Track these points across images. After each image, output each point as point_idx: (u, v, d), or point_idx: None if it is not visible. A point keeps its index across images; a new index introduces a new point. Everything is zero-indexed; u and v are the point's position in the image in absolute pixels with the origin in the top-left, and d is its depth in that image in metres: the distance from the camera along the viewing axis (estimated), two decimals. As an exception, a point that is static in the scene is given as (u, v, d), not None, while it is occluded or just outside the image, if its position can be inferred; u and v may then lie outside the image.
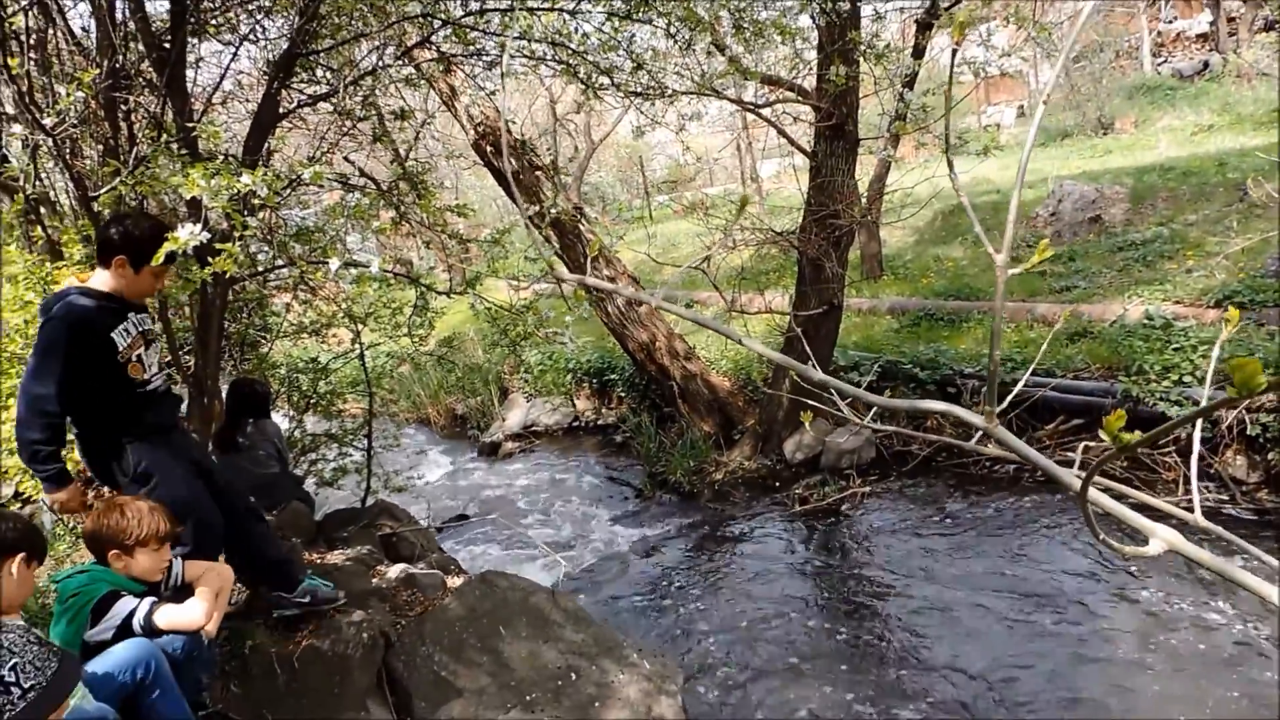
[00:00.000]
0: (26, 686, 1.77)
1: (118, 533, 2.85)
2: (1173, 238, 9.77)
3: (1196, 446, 1.28)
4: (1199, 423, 0.89)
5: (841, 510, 6.84)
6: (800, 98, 6.94)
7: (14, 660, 1.77)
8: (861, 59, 5.41)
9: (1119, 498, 1.08)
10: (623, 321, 8.42)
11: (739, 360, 9.11)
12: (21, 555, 2.40)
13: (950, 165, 1.35)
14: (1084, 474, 0.86)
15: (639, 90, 5.32)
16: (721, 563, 6.28)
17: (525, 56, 4.90)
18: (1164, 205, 11.25)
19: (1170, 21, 24.23)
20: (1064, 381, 7.06)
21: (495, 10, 4.82)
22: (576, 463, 9.34)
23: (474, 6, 4.89)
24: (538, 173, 8.30)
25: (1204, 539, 1.12)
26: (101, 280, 3.08)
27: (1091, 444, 6.69)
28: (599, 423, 10.41)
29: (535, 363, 11.22)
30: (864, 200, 7.50)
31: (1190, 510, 1.08)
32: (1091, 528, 0.91)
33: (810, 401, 1.94)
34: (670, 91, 5.52)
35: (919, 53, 5.82)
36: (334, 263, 2.94)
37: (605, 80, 4.99)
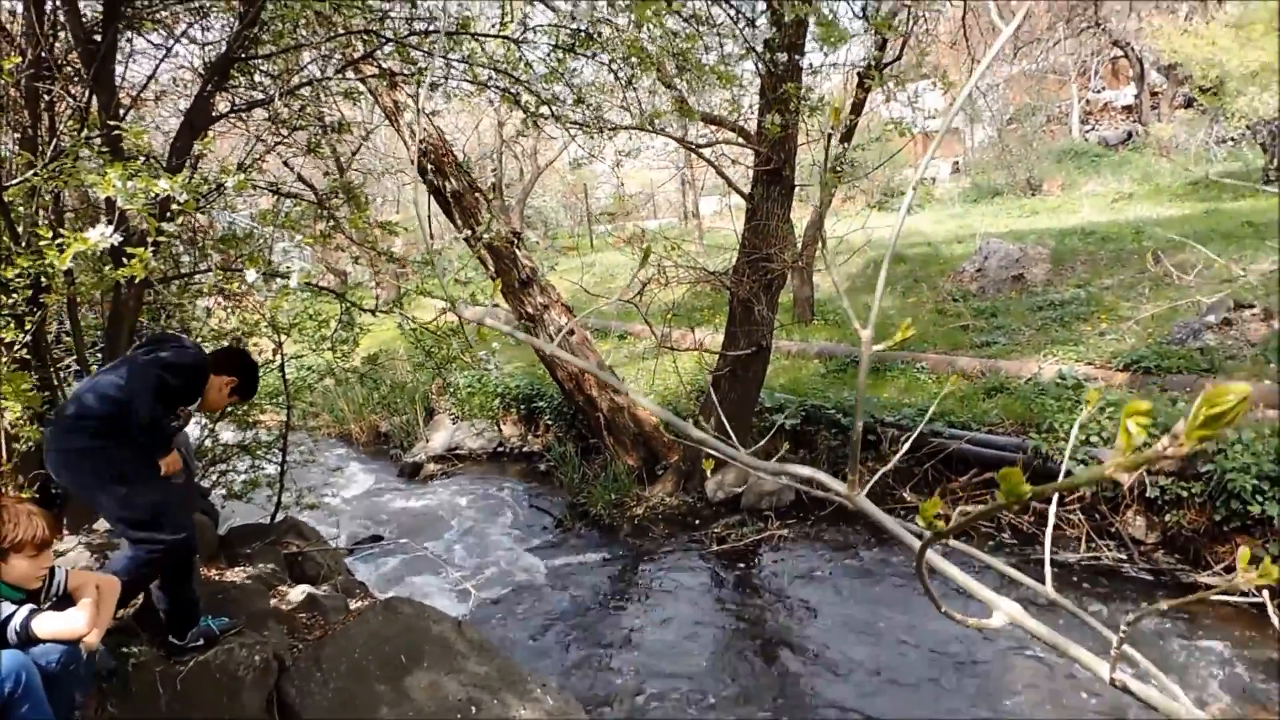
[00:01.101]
0: None
1: None
2: (1089, 300, 10.16)
3: (1052, 519, 1.33)
4: (1055, 498, 0.92)
5: (758, 551, 6.89)
6: (740, 139, 7.07)
7: None
8: (797, 110, 5.55)
9: (972, 563, 1.11)
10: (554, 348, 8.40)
11: (666, 395, 9.16)
12: None
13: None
14: (923, 540, 0.89)
15: (579, 122, 5.36)
16: (635, 598, 6.26)
17: (468, 81, 4.90)
18: (1083, 268, 11.72)
19: (1099, 91, 25.43)
20: (978, 435, 7.25)
21: (439, 34, 4.82)
22: (498, 489, 9.24)
23: (421, 27, 4.89)
24: (477, 194, 8.27)
25: (1051, 609, 1.16)
26: None
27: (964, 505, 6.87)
28: (524, 449, 10.34)
29: (463, 385, 11.11)
30: (798, 245, 7.65)
31: (1042, 582, 1.11)
32: (932, 599, 0.94)
33: (716, 442, 1.95)
34: (611, 126, 5.57)
35: (857, 108, 5.99)
36: (251, 273, 2.88)
37: (546, 110, 5.01)
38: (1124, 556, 6.32)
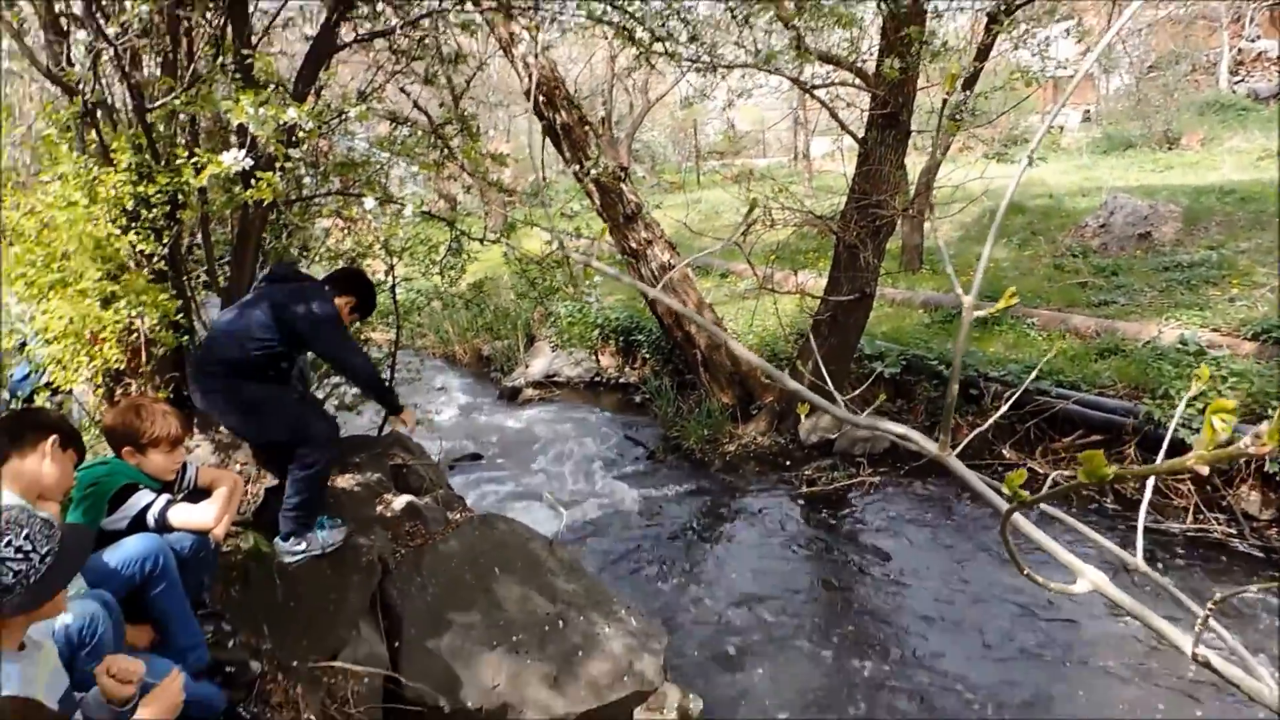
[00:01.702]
0: (43, 552, 1.88)
1: (133, 431, 3.01)
2: (1221, 263, 9.60)
3: (1149, 490, 1.33)
4: (1149, 488, 0.94)
5: (848, 497, 6.91)
6: (857, 81, 6.89)
7: (24, 530, 1.88)
8: (919, 54, 5.36)
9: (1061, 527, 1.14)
10: (655, 284, 8.47)
11: (764, 336, 9.15)
12: (55, 437, 2.54)
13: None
14: (1011, 504, 0.93)
15: (693, 59, 5.32)
16: (722, 532, 6.39)
17: (582, 16, 4.92)
18: (1217, 229, 11.03)
19: (1253, 40, 23.46)
20: (1086, 396, 7.02)
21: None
22: (594, 417, 9.46)
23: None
24: (587, 128, 8.32)
25: (1141, 581, 1.18)
26: None
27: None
28: (620, 381, 10.52)
29: (564, 314, 11.32)
30: (910, 192, 7.45)
31: (1135, 553, 1.13)
32: (1015, 561, 0.98)
33: (809, 394, 1.99)
34: (724, 64, 5.51)
35: (982, 53, 5.75)
36: (369, 201, 3.04)
37: (660, 47, 4.99)
38: (1234, 531, 6.09)
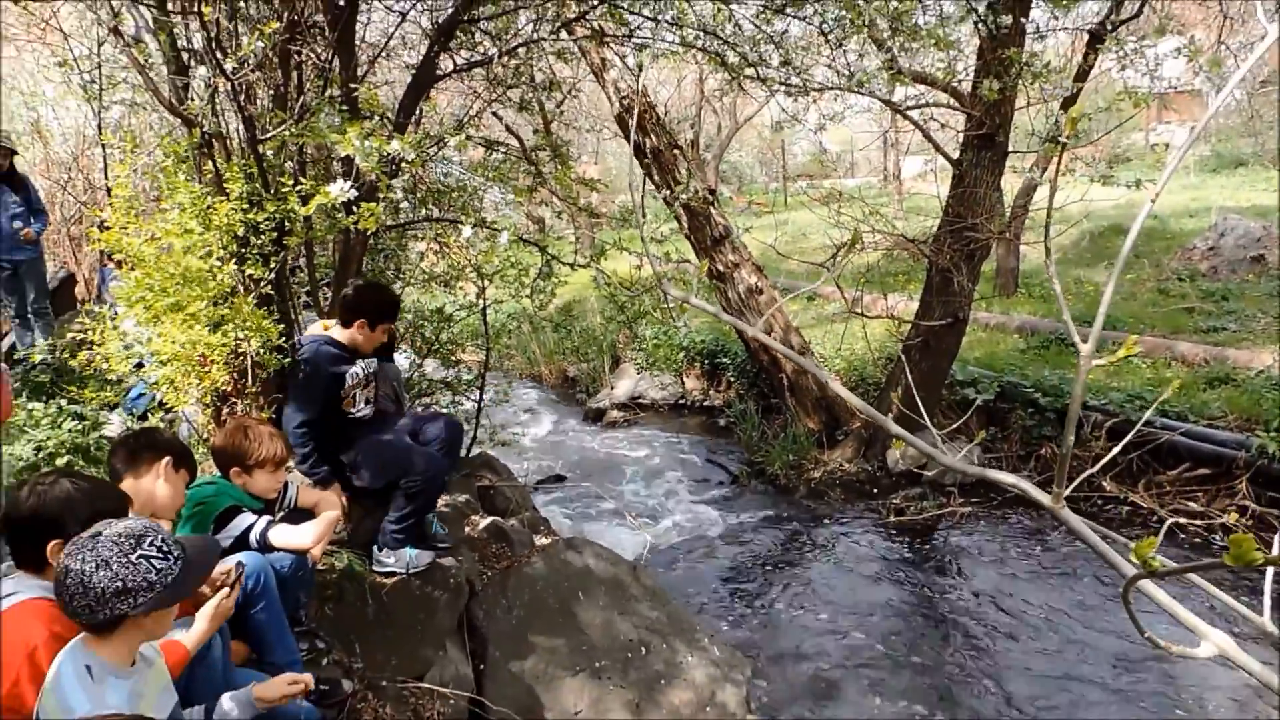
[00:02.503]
0: (177, 554, 1.99)
1: (240, 452, 3.13)
2: (1341, 288, 9.07)
3: (1277, 547, 1.25)
4: None
5: (937, 527, 6.72)
6: (952, 102, 6.75)
7: (160, 535, 1.99)
8: (1019, 74, 5.23)
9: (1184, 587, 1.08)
10: (741, 309, 8.44)
11: (853, 360, 9.00)
12: (168, 459, 2.67)
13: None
14: (1138, 569, 0.88)
15: (785, 83, 5.30)
16: (807, 560, 6.28)
17: (676, 42, 4.96)
18: (1338, 253, 10.42)
19: (1380, 51, 22.14)
20: (1194, 428, 6.70)
21: (651, -7, 4.89)
22: (678, 440, 9.45)
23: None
24: (676, 151, 8.36)
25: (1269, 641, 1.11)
26: (341, 333, 3.96)
27: (1200, 502, 6.36)
28: (705, 404, 10.49)
29: (650, 336, 11.36)
30: (1006, 214, 7.25)
31: (1261, 614, 1.07)
32: (1135, 624, 0.93)
33: (914, 439, 1.94)
34: (816, 87, 5.47)
35: (1083, 75, 5.57)
36: (466, 229, 3.11)
37: (751, 71, 4.99)
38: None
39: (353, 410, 4.00)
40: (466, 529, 4.49)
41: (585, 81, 9.39)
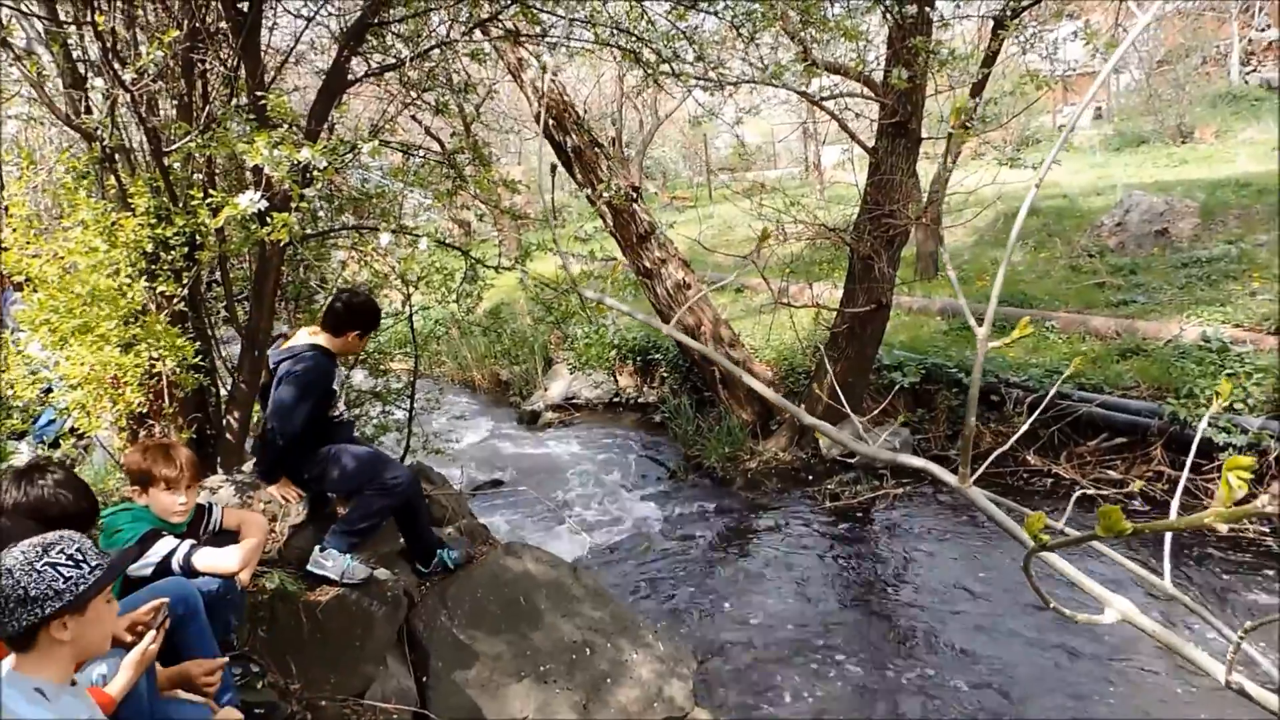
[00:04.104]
0: (94, 564, 1.99)
1: (139, 471, 3.02)
2: (1240, 257, 9.50)
3: (1178, 498, 1.30)
4: (1186, 470, 0.92)
5: (872, 510, 6.86)
6: (865, 91, 6.88)
7: (76, 544, 1.99)
8: (926, 63, 5.35)
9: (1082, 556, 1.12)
10: (670, 304, 8.47)
11: (782, 350, 9.12)
12: None
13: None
14: (1033, 547, 0.91)
15: (700, 78, 5.33)
16: (747, 551, 6.35)
17: (589, 40, 4.94)
18: (1235, 223, 10.92)
19: (1263, 29, 23.28)
20: (1109, 398, 6.96)
21: (563, -8, 4.87)
22: (614, 438, 9.45)
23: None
24: (597, 149, 8.35)
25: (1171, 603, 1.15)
26: (329, 341, 4.11)
27: (1115, 472, 6.62)
28: (639, 400, 10.50)
29: (581, 336, 11.33)
30: (923, 200, 7.42)
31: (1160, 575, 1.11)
32: (1040, 596, 0.96)
33: (826, 427, 1.97)
34: (732, 81, 5.52)
35: (989, 60, 5.73)
36: (384, 236, 3.06)
37: (667, 68, 5.01)
38: (1266, 530, 5.99)
39: (334, 414, 4.21)
40: (402, 540, 4.41)
41: (503, 82, 9.31)
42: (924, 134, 7.04)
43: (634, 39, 4.89)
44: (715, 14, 4.82)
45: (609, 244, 8.59)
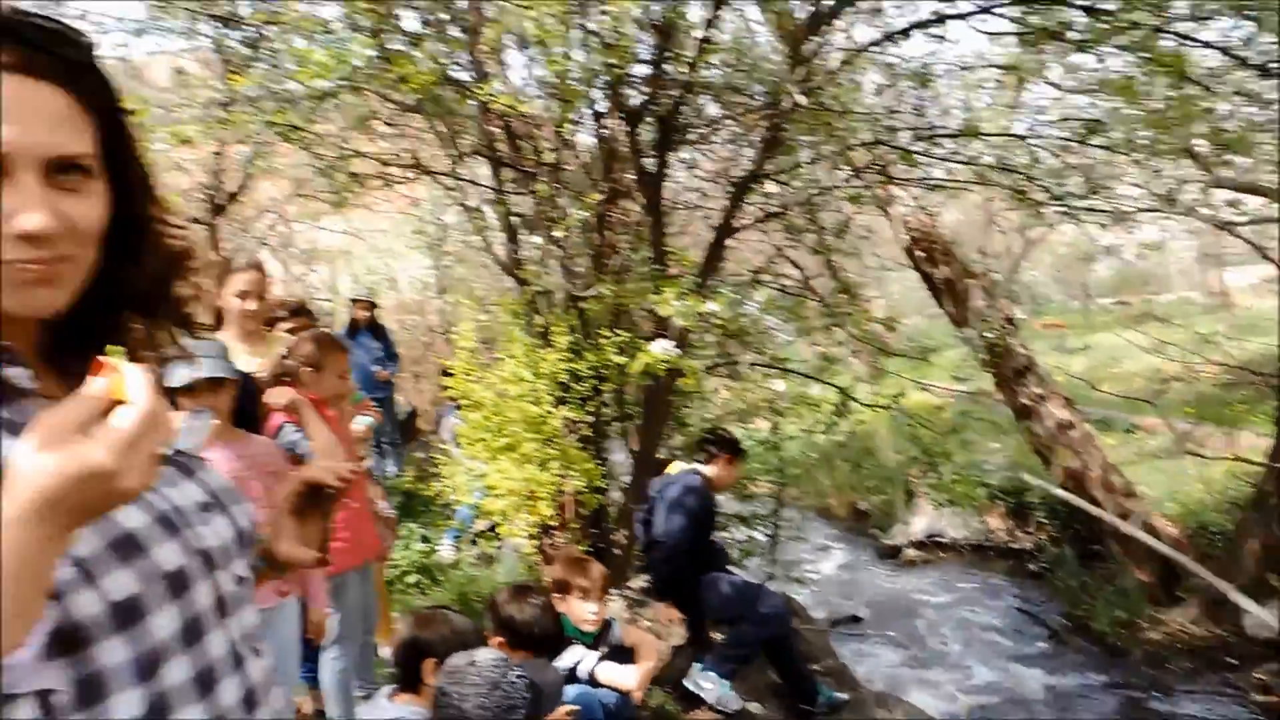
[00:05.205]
0: (526, 691, 2.28)
1: (558, 578, 3.40)
2: None
3: None
4: None
5: (1317, 708, 5.65)
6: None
7: (516, 672, 2.28)
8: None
9: None
10: (1052, 443, 7.84)
11: (1189, 504, 7.97)
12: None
13: None
14: None
15: (1092, 209, 5.05)
16: (1148, 736, 5.51)
17: (971, 181, 4.93)
18: None
19: None
20: None
21: (946, 135, 4.92)
22: (983, 586, 8.78)
23: (926, 130, 5.04)
24: (969, 280, 8.13)
25: None
26: (709, 470, 4.40)
27: None
28: (1012, 546, 9.68)
29: (948, 471, 10.78)
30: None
31: None
32: None
33: (1245, 601, 1.69)
34: (1128, 211, 5.16)
35: None
36: (779, 382, 3.20)
37: (1056, 205, 4.82)
38: None
39: (712, 541, 4.52)
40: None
41: (872, 216, 9.47)
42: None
43: (1020, 177, 4.78)
44: (1109, 149, 4.57)
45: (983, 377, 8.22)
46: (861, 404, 4.97)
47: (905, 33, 4.54)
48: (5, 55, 0.78)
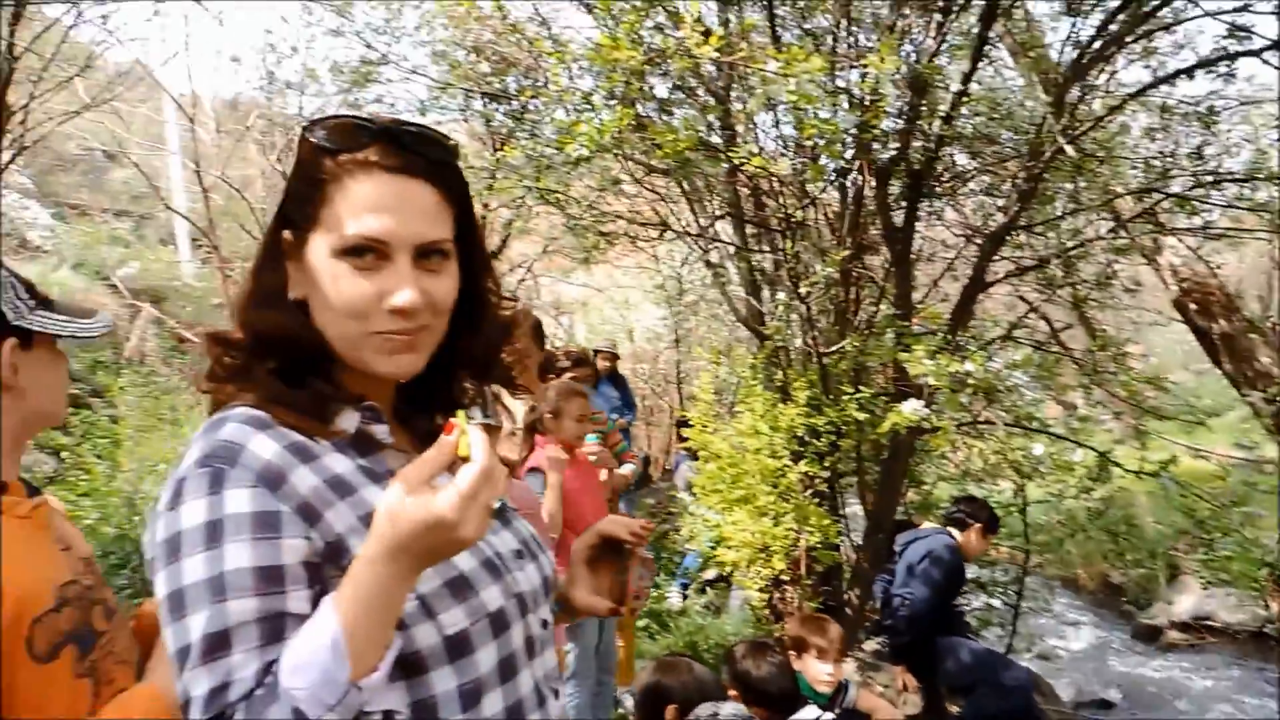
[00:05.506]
0: None
1: (794, 636, 3.36)
2: None
3: None
4: None
5: None
6: None
7: None
8: None
9: None
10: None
11: None
12: None
13: None
14: None
15: None
16: None
17: (1262, 229, 4.47)
18: None
19: None
20: None
21: (1233, 179, 4.52)
22: (1260, 678, 7.76)
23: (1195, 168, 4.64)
24: (1254, 336, 7.33)
25: None
26: (960, 537, 4.30)
27: None
28: (1298, 636, 8.51)
29: (1220, 546, 9.66)
30: None
31: None
32: None
33: None
34: None
35: None
36: (1038, 446, 3.05)
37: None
38: None
39: (958, 606, 4.53)
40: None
41: (1134, 265, 8.77)
42: None
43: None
44: None
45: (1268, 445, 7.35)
46: (1125, 470, 4.57)
47: (1189, 72, 4.22)
48: (390, 159, 0.94)
